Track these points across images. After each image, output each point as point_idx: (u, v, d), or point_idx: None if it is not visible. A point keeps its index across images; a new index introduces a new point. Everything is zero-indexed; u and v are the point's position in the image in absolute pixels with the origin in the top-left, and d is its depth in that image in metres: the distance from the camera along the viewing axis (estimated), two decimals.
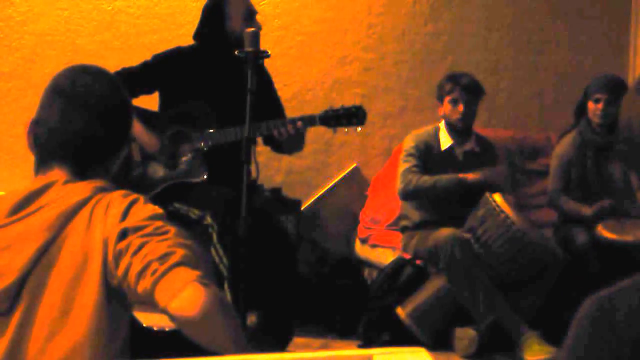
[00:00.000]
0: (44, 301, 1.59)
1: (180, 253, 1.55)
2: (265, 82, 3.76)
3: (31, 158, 1.77)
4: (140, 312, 1.81)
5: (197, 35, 3.83)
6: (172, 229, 1.61)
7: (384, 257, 4.43)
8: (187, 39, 3.90)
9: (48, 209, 1.64)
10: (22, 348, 1.59)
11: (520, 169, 4.99)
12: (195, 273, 1.52)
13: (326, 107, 3.54)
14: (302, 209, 4.73)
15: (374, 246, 4.63)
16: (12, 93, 4.87)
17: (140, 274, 1.54)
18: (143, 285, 1.53)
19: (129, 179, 3.54)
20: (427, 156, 4.21)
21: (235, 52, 3.18)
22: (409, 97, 5.13)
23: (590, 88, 4.22)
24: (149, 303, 1.54)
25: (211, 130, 3.58)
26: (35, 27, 4.87)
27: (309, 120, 3.51)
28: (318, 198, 5.00)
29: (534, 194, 4.87)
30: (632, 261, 3.77)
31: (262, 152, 3.80)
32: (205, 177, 3.59)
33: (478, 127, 4.50)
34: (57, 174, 1.72)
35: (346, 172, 5.07)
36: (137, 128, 3.58)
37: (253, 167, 3.05)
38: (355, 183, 5.06)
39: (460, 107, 4.17)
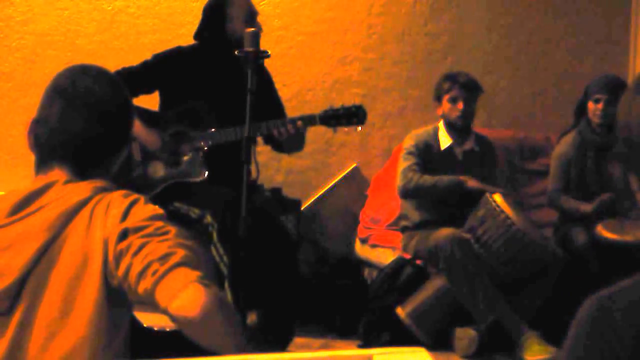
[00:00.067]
0: (44, 301, 1.59)
1: (180, 253, 1.55)
2: (265, 82, 3.76)
3: (31, 158, 1.77)
4: (140, 312, 1.81)
5: (198, 35, 3.83)
6: (173, 230, 1.61)
7: (384, 257, 4.43)
8: (187, 39, 3.90)
9: (48, 209, 1.64)
10: (23, 348, 1.59)
11: (520, 169, 4.99)
12: (196, 273, 1.52)
13: (326, 107, 3.54)
14: (302, 209, 4.72)
15: (374, 246, 4.62)
16: (12, 93, 4.87)
17: (141, 274, 1.54)
18: (144, 286, 1.53)
19: (129, 178, 3.55)
20: (427, 155, 4.21)
21: (236, 52, 3.18)
22: (409, 97, 5.12)
23: (590, 88, 4.22)
24: (150, 303, 1.54)
25: (211, 130, 3.58)
26: (35, 27, 4.87)
27: (309, 120, 3.51)
28: (318, 198, 5.00)
29: (534, 194, 4.87)
30: (632, 261, 3.76)
31: (262, 152, 3.80)
32: (205, 176, 3.59)
33: (478, 127, 4.50)
34: (58, 174, 1.72)
35: (346, 172, 5.06)
36: (138, 127, 3.58)
37: (253, 167, 3.05)
38: (355, 183, 5.06)
39: (460, 105, 4.17)
